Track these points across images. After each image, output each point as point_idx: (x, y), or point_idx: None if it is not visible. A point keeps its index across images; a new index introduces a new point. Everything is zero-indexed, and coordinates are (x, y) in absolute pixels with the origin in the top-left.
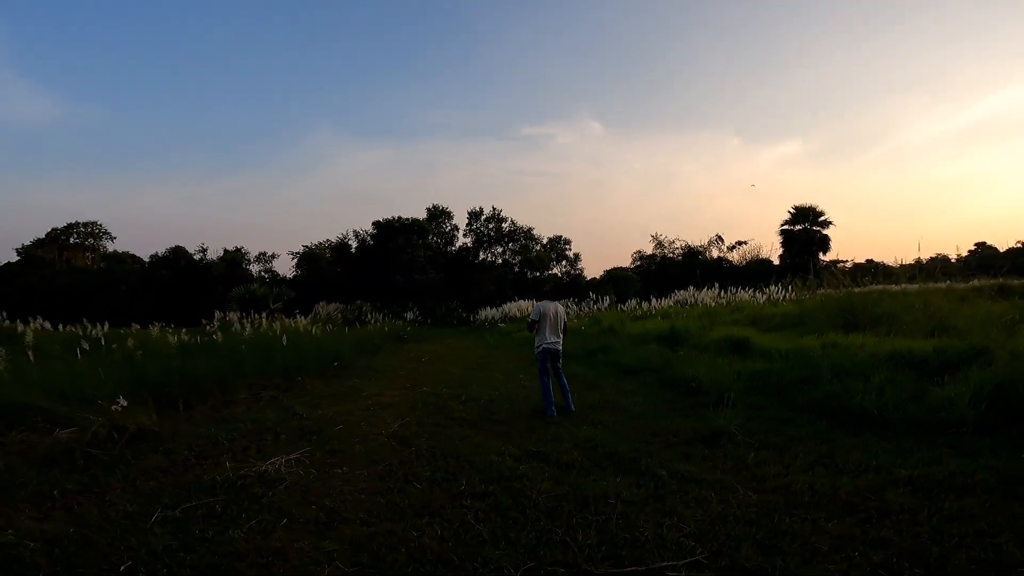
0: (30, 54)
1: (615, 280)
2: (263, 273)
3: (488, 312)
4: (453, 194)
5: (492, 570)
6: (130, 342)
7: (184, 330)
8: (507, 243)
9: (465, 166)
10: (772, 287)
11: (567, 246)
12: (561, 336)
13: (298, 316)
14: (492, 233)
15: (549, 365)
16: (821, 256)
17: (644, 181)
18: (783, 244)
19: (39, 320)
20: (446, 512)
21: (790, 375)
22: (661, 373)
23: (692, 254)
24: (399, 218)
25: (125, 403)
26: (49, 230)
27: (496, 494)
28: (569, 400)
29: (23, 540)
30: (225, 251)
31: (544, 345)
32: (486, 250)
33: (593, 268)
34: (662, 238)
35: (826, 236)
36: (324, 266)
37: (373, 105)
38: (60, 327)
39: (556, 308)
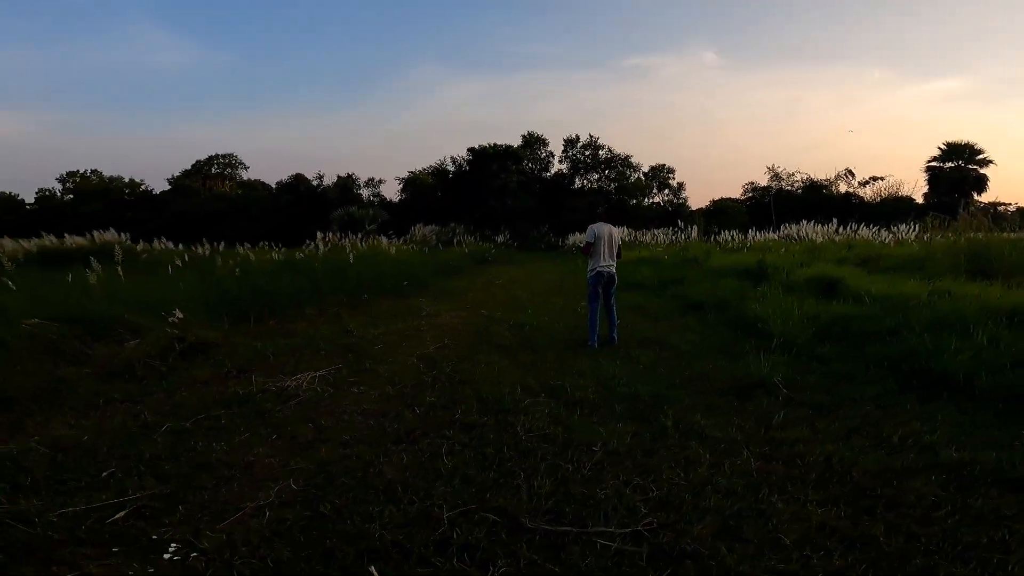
0: (165, 4)
1: (715, 212)
2: (372, 197)
3: (577, 237)
4: (550, 124)
5: (426, 507)
6: (218, 260)
7: (282, 249)
8: (603, 170)
9: (563, 96)
10: (903, 226)
11: (670, 175)
12: (614, 260)
13: (391, 236)
14: (588, 160)
15: (601, 290)
16: (976, 197)
17: (762, 112)
18: (929, 182)
19: (163, 240)
20: (424, 441)
21: (874, 324)
22: (729, 311)
23: (814, 188)
24: (494, 145)
25: (181, 315)
26: (194, 162)
27: (484, 427)
28: (614, 331)
29: (39, 447)
30: (338, 177)
31: (598, 268)
32: (582, 176)
33: (699, 199)
34: (779, 170)
35: (983, 175)
36: (425, 190)
37: (475, 39)
38: (178, 246)
39: (611, 230)
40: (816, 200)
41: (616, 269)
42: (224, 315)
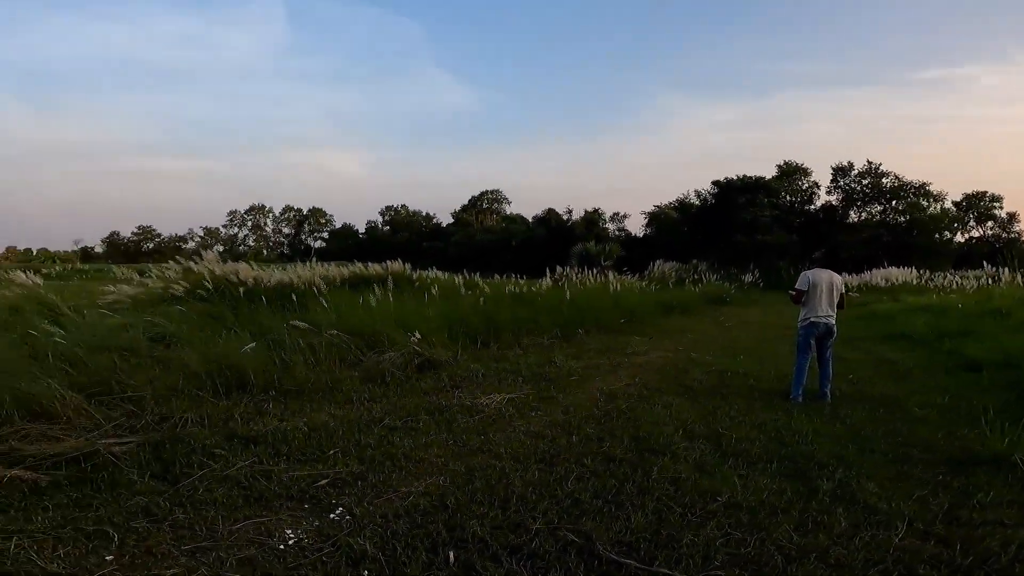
0: (442, 50)
1: None
2: (617, 232)
3: (844, 279)
4: (809, 150)
5: (524, 517)
6: (462, 290)
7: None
8: (888, 200)
9: (828, 120)
10: None
11: (994, 204)
12: (835, 311)
13: (626, 272)
14: (866, 190)
15: (813, 342)
16: None
17: None
18: None
19: (433, 270)
20: (562, 465)
21: None
22: (1013, 372)
23: None
24: (743, 176)
25: (419, 336)
26: (469, 197)
27: (622, 462)
28: (827, 386)
29: (302, 427)
30: (585, 211)
31: (812, 318)
32: (858, 209)
33: None
34: None
35: None
36: (668, 225)
37: (721, 64)
38: (445, 275)
39: (831, 277)
40: None
41: (836, 320)
42: (459, 338)
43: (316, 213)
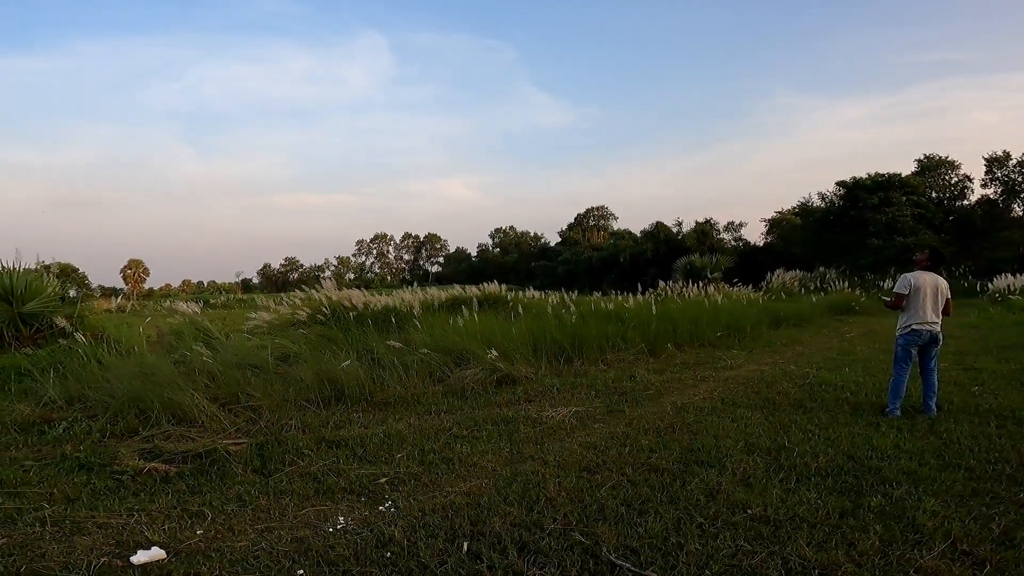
0: (537, 70)
1: None
2: (733, 241)
3: (1006, 280)
4: (953, 143)
5: (543, 518)
6: (549, 309)
7: (612, 297)
8: None
9: (977, 107)
10: None
11: None
12: (939, 318)
13: (736, 284)
14: None
15: (915, 351)
16: None
17: None
18: None
19: (530, 289)
20: (602, 473)
21: None
22: None
23: None
24: (874, 175)
25: (496, 353)
26: (575, 215)
27: (665, 473)
28: (932, 400)
29: (379, 433)
30: (696, 223)
31: (914, 325)
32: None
33: None
34: None
35: None
36: (789, 232)
37: (844, 58)
38: (540, 294)
39: (936, 281)
40: None
41: (941, 328)
42: (543, 354)
43: (432, 239)
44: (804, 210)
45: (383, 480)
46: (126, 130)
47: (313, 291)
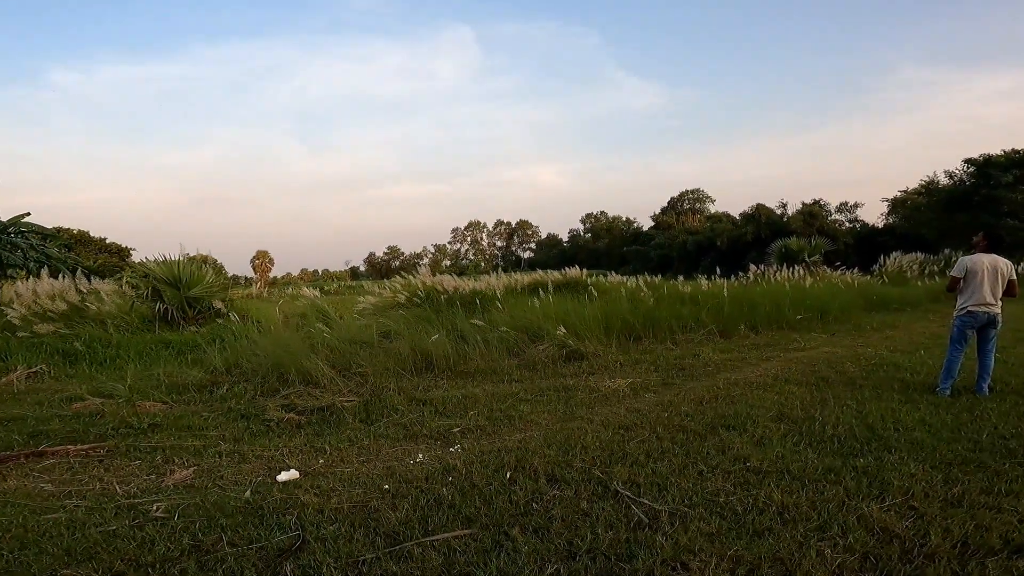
0: (624, 53)
1: None
2: (849, 223)
3: None
4: None
5: (556, 475)
6: (623, 291)
7: (708, 280)
8: None
9: None
10: None
11: None
12: (998, 300)
13: (840, 268)
14: None
15: (971, 333)
16: None
17: None
18: None
19: (612, 274)
20: (636, 432)
21: None
22: None
23: None
24: (1011, 151)
25: (564, 330)
26: (669, 199)
27: (692, 434)
28: (985, 382)
29: (456, 395)
30: (803, 204)
31: (970, 306)
32: None
33: None
34: None
35: None
36: (913, 212)
37: (970, 25)
38: (623, 278)
39: (995, 262)
40: None
41: (1000, 310)
42: (614, 334)
43: (523, 225)
44: (928, 189)
45: (456, 430)
46: (246, 131)
47: (411, 277)
